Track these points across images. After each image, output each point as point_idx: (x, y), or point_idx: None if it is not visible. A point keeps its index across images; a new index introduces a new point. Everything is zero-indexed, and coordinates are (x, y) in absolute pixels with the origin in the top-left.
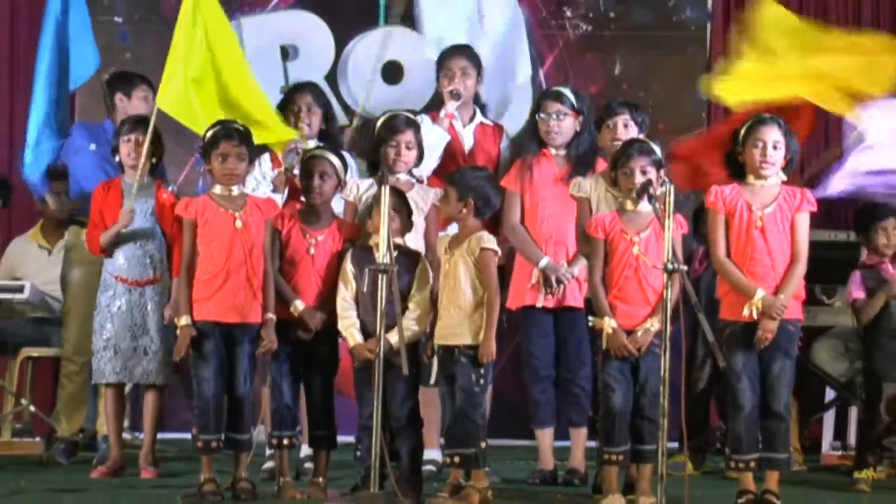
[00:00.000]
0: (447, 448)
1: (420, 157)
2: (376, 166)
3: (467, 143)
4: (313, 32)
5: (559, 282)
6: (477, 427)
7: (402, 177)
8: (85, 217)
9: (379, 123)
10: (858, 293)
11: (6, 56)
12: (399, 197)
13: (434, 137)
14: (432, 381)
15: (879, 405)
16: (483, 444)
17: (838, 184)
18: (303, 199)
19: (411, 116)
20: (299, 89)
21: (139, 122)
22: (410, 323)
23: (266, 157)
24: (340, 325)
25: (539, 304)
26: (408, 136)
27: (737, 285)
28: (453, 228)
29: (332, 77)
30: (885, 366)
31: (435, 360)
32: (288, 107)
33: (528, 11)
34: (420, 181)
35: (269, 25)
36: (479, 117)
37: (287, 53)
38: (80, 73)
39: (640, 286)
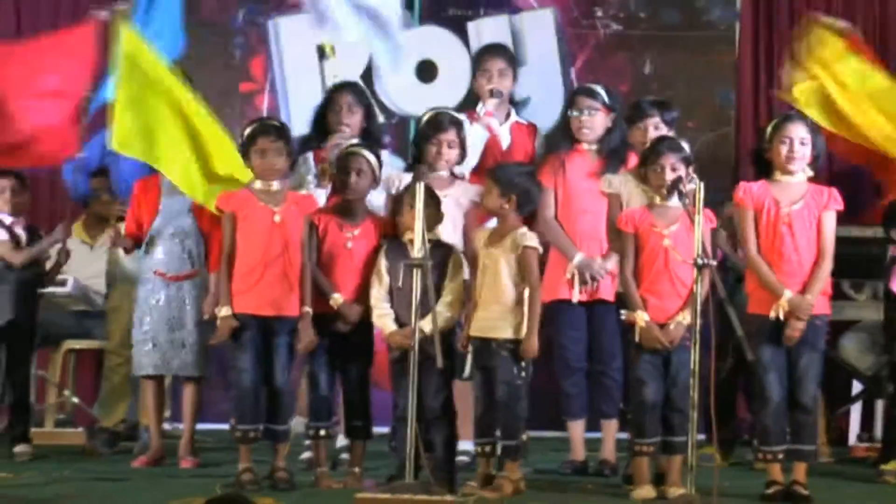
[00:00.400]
0: (478, 437)
1: (463, 156)
2: (418, 161)
3: (504, 140)
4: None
5: (593, 278)
6: (519, 419)
7: (444, 173)
8: None
9: (423, 120)
10: None
11: None
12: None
13: (474, 136)
14: (466, 373)
15: None
16: (524, 437)
17: None
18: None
19: (455, 115)
20: (340, 89)
21: None
22: (443, 309)
23: (310, 153)
24: (374, 316)
25: (575, 300)
26: (450, 135)
27: (766, 283)
28: (490, 223)
29: (367, 76)
30: None
31: (469, 352)
32: (329, 106)
33: (559, 11)
34: (461, 178)
35: (305, 25)
36: (513, 116)
37: (323, 53)
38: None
39: (670, 280)
